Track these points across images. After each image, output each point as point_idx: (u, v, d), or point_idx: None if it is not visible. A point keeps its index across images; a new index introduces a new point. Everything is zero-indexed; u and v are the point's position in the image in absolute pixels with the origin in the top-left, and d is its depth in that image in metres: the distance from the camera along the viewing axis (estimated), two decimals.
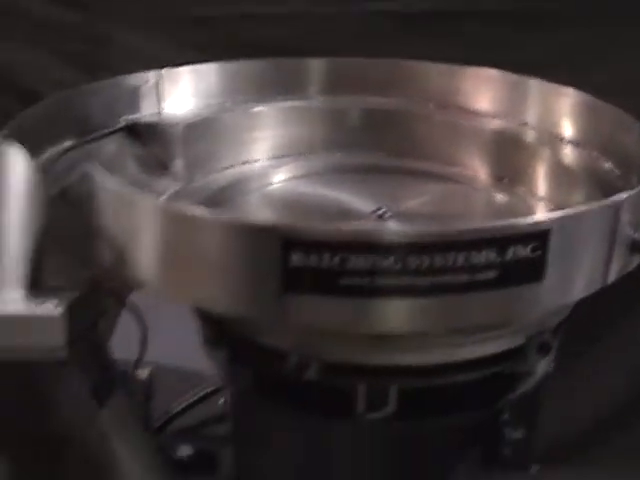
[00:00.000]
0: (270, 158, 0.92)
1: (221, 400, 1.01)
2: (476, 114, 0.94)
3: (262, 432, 0.80)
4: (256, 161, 0.91)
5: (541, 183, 0.85)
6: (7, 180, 0.68)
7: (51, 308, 0.65)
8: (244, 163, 0.90)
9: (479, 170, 0.90)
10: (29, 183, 0.68)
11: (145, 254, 0.65)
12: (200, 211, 0.63)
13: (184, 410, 0.99)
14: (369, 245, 0.58)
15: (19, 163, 0.68)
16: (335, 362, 0.68)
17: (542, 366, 0.77)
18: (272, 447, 0.80)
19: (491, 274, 0.59)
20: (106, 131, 0.84)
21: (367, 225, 0.75)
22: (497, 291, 0.61)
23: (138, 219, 0.64)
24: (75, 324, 0.66)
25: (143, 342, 0.86)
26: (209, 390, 1.01)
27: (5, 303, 0.66)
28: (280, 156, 0.92)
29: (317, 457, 0.78)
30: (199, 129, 0.88)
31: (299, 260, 0.58)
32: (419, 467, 0.75)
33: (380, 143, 0.93)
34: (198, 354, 0.90)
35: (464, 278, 0.59)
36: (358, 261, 0.58)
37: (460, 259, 0.58)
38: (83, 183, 0.69)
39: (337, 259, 0.58)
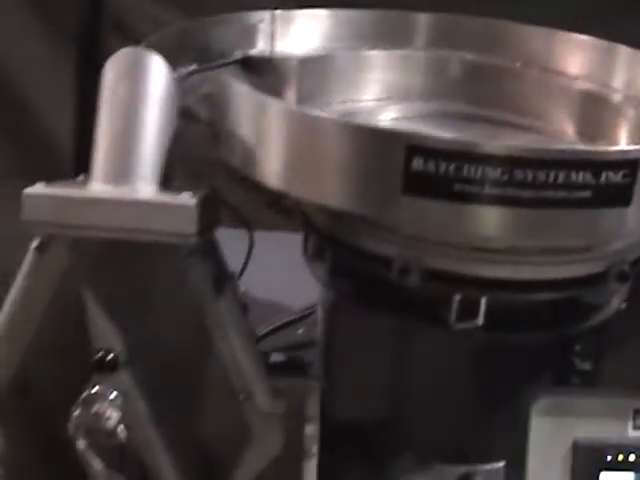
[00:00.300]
0: (376, 99, 0.99)
1: (300, 330, 1.09)
2: (564, 75, 1.00)
3: (356, 340, 0.87)
4: (363, 101, 0.98)
5: (623, 138, 0.91)
6: (148, 84, 0.75)
7: (186, 198, 0.72)
8: (352, 101, 0.97)
9: (563, 125, 0.96)
10: (168, 90, 0.75)
11: (275, 155, 0.72)
12: (332, 116, 0.71)
13: (271, 333, 1.06)
14: (482, 156, 0.65)
15: (159, 70, 0.75)
16: (435, 270, 0.74)
17: (616, 301, 0.83)
18: (364, 356, 0.87)
19: (586, 194, 0.66)
20: (223, 61, 0.91)
21: None
22: (590, 210, 0.67)
23: (272, 122, 0.72)
24: (203, 217, 0.73)
25: (249, 251, 0.93)
26: (293, 317, 1.08)
27: (142, 192, 0.73)
28: (385, 98, 0.99)
29: (406, 364, 0.86)
30: (311, 65, 0.94)
31: (419, 165, 0.65)
32: (497, 381, 0.82)
33: (474, 94, 0.99)
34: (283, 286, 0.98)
35: (563, 194, 0.66)
36: (471, 170, 0.65)
37: (561, 176, 0.65)
38: (217, 91, 0.76)
39: (452, 167, 0.65)
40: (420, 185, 0.66)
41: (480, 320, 0.77)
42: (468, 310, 0.77)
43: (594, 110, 0.94)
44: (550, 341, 0.83)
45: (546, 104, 0.98)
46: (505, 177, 0.65)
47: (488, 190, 0.66)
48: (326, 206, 0.74)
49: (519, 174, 0.65)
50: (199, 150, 0.81)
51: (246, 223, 0.90)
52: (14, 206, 0.73)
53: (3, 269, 0.79)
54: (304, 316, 1.10)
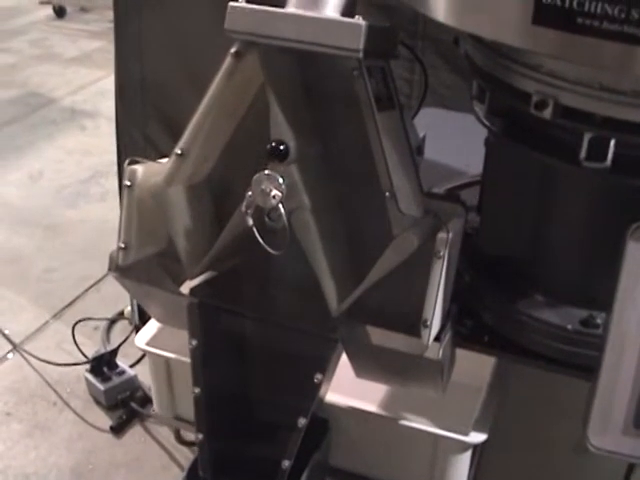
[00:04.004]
0: None
1: None
2: None
3: (498, 172, 0.99)
4: None
5: None
6: None
7: (358, 19, 0.84)
8: None
9: None
10: None
11: None
12: None
13: None
14: None
15: None
16: (568, 106, 0.83)
17: None
18: (504, 188, 0.99)
19: None
20: None
21: None
22: None
23: None
24: (374, 42, 0.85)
25: (425, 88, 1.05)
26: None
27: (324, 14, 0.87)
28: None
29: (543, 197, 0.96)
30: None
31: None
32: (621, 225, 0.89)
33: None
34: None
35: None
36: (592, 6, 0.74)
37: None
38: None
39: (576, 1, 0.74)
40: (549, 16, 0.75)
41: (609, 161, 0.85)
42: (598, 149, 0.84)
43: None
44: None
45: None
46: (622, 15, 0.72)
47: (607, 26, 0.74)
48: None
49: (635, 12, 0.72)
50: None
51: (419, 60, 1.02)
52: None
53: None
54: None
